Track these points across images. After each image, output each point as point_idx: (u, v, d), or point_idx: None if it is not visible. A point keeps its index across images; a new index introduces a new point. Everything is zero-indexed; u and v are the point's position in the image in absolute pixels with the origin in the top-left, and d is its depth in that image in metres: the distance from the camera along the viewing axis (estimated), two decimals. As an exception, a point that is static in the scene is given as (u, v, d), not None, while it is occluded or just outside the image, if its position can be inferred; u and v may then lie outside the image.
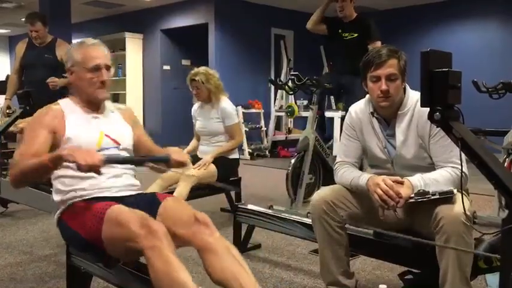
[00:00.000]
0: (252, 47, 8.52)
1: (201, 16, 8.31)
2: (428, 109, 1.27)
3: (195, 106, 3.75)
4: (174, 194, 3.03)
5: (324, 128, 4.57)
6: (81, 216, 1.81)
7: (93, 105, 2.01)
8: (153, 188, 3.13)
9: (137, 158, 2.01)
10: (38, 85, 4.39)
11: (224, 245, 1.73)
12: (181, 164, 1.95)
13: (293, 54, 8.94)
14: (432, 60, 1.24)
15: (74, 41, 7.71)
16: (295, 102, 7.91)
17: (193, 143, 3.80)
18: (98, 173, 1.65)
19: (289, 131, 8.63)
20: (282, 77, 8.35)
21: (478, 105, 4.39)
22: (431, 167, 1.95)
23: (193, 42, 8.96)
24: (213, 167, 3.37)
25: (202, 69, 3.59)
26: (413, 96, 1.98)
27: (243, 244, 2.97)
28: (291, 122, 8.78)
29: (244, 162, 7.46)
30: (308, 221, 2.34)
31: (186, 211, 1.82)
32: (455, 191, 1.77)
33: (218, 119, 3.55)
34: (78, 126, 1.92)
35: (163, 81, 9.07)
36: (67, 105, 1.99)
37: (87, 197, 1.87)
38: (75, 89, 2.02)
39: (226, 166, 3.50)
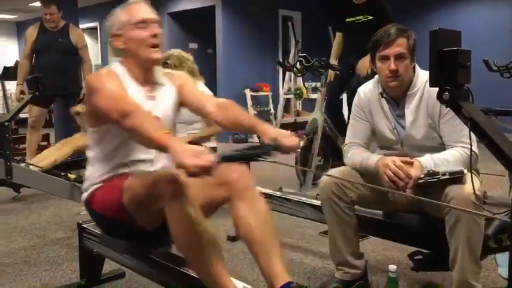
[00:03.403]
0: (260, 29, 8.45)
1: (207, -2, 8.25)
2: (437, 89, 1.26)
3: None
4: None
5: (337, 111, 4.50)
6: (102, 196, 1.78)
7: (146, 73, 1.85)
8: None
9: (251, 152, 1.68)
10: (50, 69, 4.41)
11: (261, 200, 1.73)
12: (292, 149, 1.69)
13: (301, 36, 8.86)
14: (441, 39, 1.22)
15: (81, 26, 7.67)
16: (304, 84, 7.87)
17: None
18: (210, 174, 1.43)
19: (298, 114, 8.61)
20: (290, 59, 8.29)
21: (488, 85, 4.33)
22: (441, 147, 1.94)
23: (200, 25, 8.91)
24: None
25: (175, 51, 3.51)
26: (422, 76, 1.96)
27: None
28: (299, 104, 8.75)
29: (253, 145, 7.46)
30: (317, 202, 2.34)
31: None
32: (465, 171, 1.76)
33: None
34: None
35: (171, 65, 9.05)
36: (122, 74, 1.82)
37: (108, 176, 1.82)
38: (126, 55, 1.84)
39: None
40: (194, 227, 1.52)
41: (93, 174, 1.84)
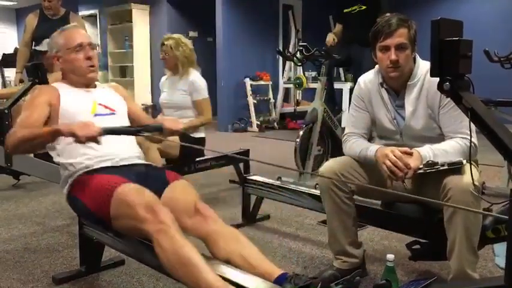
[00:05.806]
0: (260, 18, 8.40)
1: (208, -14, 8.19)
2: (438, 79, 1.26)
3: (163, 78, 3.55)
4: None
5: (334, 99, 4.55)
6: (90, 190, 1.84)
7: (84, 85, 2.13)
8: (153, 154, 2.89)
9: (133, 129, 2.04)
10: None
11: (229, 229, 1.78)
12: (174, 133, 2.05)
13: (301, 25, 8.81)
14: (443, 29, 1.22)
15: (80, 13, 7.62)
16: (304, 74, 7.85)
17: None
18: (97, 142, 1.72)
19: (298, 103, 8.59)
20: (290, 48, 8.26)
21: (489, 75, 4.33)
22: (440, 138, 1.95)
23: (200, 13, 8.86)
24: (177, 139, 3.00)
25: (176, 35, 3.45)
26: (423, 66, 1.96)
27: (252, 215, 3.00)
28: (299, 93, 8.72)
29: (252, 134, 7.47)
30: (316, 192, 2.35)
31: (188, 199, 1.85)
32: (464, 161, 1.76)
33: (184, 92, 3.30)
34: (72, 97, 2.04)
35: (170, 53, 8.99)
36: (60, 85, 2.11)
37: (90, 168, 1.91)
38: (65, 75, 2.13)
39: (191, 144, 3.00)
40: (180, 254, 1.53)
41: (69, 162, 1.96)
